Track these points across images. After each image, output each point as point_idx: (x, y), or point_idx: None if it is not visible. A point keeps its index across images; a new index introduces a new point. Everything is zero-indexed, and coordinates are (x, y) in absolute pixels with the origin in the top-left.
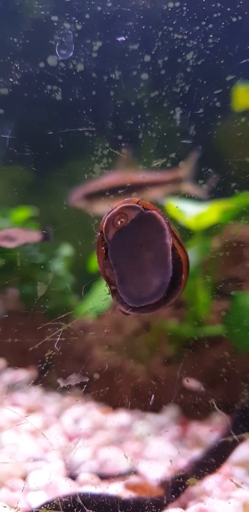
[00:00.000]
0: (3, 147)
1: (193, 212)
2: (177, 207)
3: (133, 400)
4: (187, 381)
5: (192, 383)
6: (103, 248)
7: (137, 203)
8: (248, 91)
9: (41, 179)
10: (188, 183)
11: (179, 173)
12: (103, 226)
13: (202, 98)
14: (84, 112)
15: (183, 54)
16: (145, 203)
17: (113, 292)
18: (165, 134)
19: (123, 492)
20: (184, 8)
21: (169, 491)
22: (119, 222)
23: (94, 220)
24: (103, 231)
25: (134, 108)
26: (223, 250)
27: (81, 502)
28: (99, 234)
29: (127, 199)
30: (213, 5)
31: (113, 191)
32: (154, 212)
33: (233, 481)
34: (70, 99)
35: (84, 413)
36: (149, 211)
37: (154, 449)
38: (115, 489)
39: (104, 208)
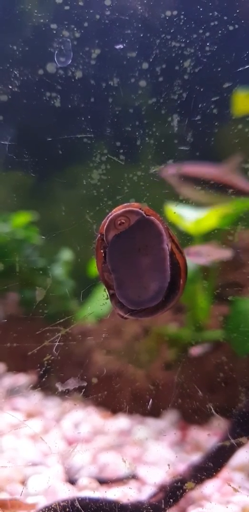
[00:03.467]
0: (2, 153)
1: (192, 217)
2: (175, 212)
3: (132, 405)
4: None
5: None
6: (102, 251)
7: (139, 209)
8: (248, 97)
9: (41, 184)
10: None
11: None
12: (105, 227)
13: (200, 105)
14: (82, 118)
15: (181, 61)
16: (145, 208)
17: (111, 296)
18: (162, 140)
19: (122, 496)
20: (182, 16)
21: (168, 496)
22: (120, 225)
23: (93, 226)
24: (104, 232)
25: (132, 115)
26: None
27: (79, 507)
28: (99, 235)
29: (127, 203)
30: (210, 14)
31: (213, 186)
32: (152, 217)
33: (231, 486)
34: (69, 106)
35: (84, 418)
36: (148, 216)
37: (153, 453)
38: (114, 493)
39: (196, 196)
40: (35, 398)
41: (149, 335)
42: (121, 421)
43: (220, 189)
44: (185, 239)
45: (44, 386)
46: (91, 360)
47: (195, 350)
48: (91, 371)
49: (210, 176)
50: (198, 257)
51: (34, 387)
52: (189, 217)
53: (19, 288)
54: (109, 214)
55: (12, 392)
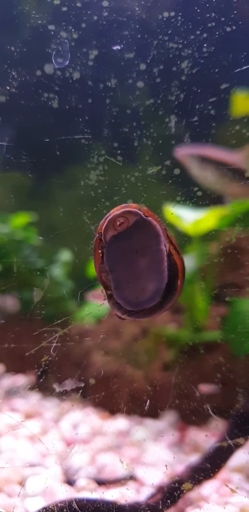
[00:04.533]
0: (0, 154)
1: (191, 218)
2: (173, 213)
3: (130, 406)
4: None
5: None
6: (100, 252)
7: (138, 210)
8: (247, 98)
9: (39, 185)
10: None
11: None
12: (103, 227)
13: (197, 106)
14: (80, 119)
15: (178, 62)
16: (143, 209)
17: (109, 297)
18: (160, 141)
19: (120, 497)
20: (179, 18)
21: (165, 497)
22: (119, 225)
23: (91, 227)
24: (102, 232)
25: (130, 116)
26: (221, 256)
27: (77, 507)
28: (97, 235)
29: (125, 204)
30: (208, 15)
31: (230, 170)
32: (150, 218)
33: (228, 487)
34: (67, 107)
35: (82, 419)
36: (146, 217)
37: (152, 454)
38: (112, 494)
39: (208, 177)
40: (33, 399)
41: (147, 336)
42: (120, 422)
43: (236, 174)
44: (183, 240)
45: (42, 386)
46: (89, 361)
47: (204, 388)
48: (89, 372)
49: (228, 161)
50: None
51: (32, 388)
52: (187, 218)
53: (17, 289)
54: (108, 214)
55: (10, 393)
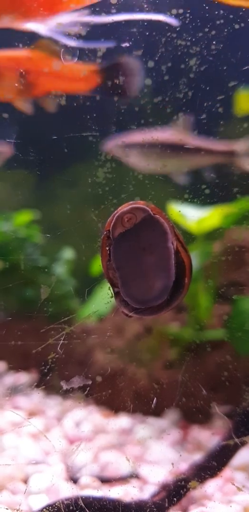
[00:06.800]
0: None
1: (195, 217)
2: (179, 211)
3: (135, 404)
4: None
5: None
6: (107, 249)
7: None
8: None
9: (45, 182)
10: (244, 158)
11: (234, 146)
12: (112, 224)
13: (205, 104)
14: (88, 117)
15: (186, 60)
16: (151, 206)
17: (116, 294)
18: None
19: (124, 495)
20: (187, 15)
21: (171, 494)
22: (127, 221)
23: (98, 224)
24: (111, 229)
25: (138, 113)
26: (224, 255)
27: (83, 505)
28: (105, 232)
29: (133, 201)
30: (216, 12)
31: (163, 148)
32: (157, 216)
33: (234, 485)
34: (75, 104)
35: (85, 417)
36: (154, 214)
37: (155, 452)
38: (117, 492)
39: (144, 162)
40: (37, 397)
41: (152, 334)
42: (123, 420)
43: (171, 150)
44: (186, 238)
45: (47, 384)
46: (93, 359)
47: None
48: (93, 370)
49: (158, 140)
50: None
51: (38, 386)
52: (191, 216)
53: (20, 287)
54: (116, 211)
55: (14, 390)
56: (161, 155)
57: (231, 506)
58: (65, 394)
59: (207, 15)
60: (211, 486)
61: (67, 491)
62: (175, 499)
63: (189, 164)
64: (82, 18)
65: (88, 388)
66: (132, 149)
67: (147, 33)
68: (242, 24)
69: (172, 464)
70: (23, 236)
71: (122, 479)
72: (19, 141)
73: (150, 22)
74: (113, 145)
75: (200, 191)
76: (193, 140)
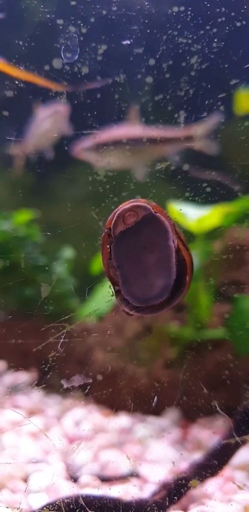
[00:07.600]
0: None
1: (195, 215)
2: (181, 209)
3: (135, 403)
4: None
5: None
6: (108, 247)
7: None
8: None
9: (43, 182)
10: (202, 141)
11: (192, 130)
12: (113, 221)
13: (206, 102)
14: (88, 114)
15: (187, 58)
16: (152, 204)
17: (117, 293)
18: None
19: (124, 494)
20: (189, 12)
21: (171, 493)
22: (129, 217)
23: (99, 222)
24: (112, 227)
25: (138, 111)
26: (225, 253)
27: (83, 504)
28: (106, 230)
29: (134, 199)
30: (217, 10)
31: (126, 143)
32: (158, 214)
33: (235, 483)
34: (75, 102)
35: (85, 416)
36: (154, 212)
37: (156, 451)
38: (117, 491)
39: (113, 160)
40: (37, 396)
41: (152, 333)
42: (123, 419)
43: (136, 144)
44: (187, 237)
45: (47, 383)
46: (93, 358)
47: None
48: (93, 369)
49: (121, 135)
50: None
51: (38, 384)
52: (191, 215)
53: (20, 286)
54: (117, 209)
55: (14, 389)
56: (122, 151)
57: (231, 505)
58: (66, 392)
59: (208, 12)
60: (212, 485)
61: (68, 490)
62: (175, 498)
63: (151, 156)
64: None
65: (88, 387)
66: (91, 150)
67: (148, 31)
68: (244, 22)
69: (173, 463)
70: (23, 234)
71: (122, 478)
72: (20, 139)
73: (151, 19)
74: (82, 148)
75: (201, 189)
76: (150, 132)
